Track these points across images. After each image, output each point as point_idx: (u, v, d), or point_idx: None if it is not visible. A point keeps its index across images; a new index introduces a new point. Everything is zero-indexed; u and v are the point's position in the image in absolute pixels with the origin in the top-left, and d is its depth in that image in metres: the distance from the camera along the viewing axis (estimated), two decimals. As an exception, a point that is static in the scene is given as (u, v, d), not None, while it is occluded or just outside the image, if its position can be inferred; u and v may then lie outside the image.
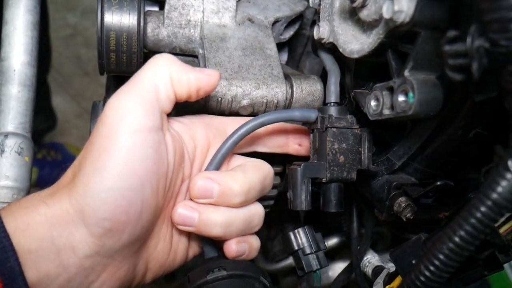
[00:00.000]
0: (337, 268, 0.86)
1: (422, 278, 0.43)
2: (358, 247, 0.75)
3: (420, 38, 0.45)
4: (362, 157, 0.60)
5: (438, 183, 0.53)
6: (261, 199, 0.76)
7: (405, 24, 0.43)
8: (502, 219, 0.53)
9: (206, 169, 0.57)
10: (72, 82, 2.17)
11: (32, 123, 0.73)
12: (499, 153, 0.39)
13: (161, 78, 0.51)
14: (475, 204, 0.40)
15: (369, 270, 0.74)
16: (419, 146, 0.54)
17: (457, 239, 0.40)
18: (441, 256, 0.41)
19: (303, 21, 0.84)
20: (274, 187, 0.77)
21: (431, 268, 0.42)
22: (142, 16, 0.65)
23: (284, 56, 0.88)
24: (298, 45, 0.92)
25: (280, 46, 0.85)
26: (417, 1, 0.42)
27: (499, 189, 0.38)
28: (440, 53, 0.39)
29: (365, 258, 0.77)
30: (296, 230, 0.64)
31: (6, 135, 0.69)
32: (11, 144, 0.69)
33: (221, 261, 0.54)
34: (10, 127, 0.69)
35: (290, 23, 0.81)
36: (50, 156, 1.96)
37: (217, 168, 0.56)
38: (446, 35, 0.38)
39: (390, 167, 0.59)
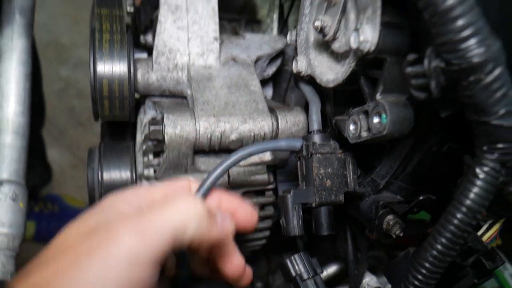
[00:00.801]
0: (337, 294, 0.87)
1: (411, 287, 0.45)
2: (356, 271, 0.77)
3: (386, 63, 0.49)
4: (348, 180, 0.62)
5: (421, 198, 0.56)
6: (256, 231, 0.78)
7: (371, 52, 0.47)
8: (485, 227, 0.55)
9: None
10: (66, 133, 2.21)
11: (26, 170, 0.76)
12: (468, 163, 0.43)
13: (183, 236, 0.46)
14: (451, 212, 0.42)
15: (368, 293, 0.76)
16: (399, 164, 0.58)
17: (438, 246, 0.43)
18: (426, 264, 0.44)
19: (285, 57, 0.89)
20: (268, 217, 0.79)
21: (419, 276, 0.44)
22: (132, 63, 0.70)
23: (269, 92, 0.93)
24: (282, 80, 0.97)
25: (265, 82, 0.90)
26: (380, 31, 0.46)
27: (471, 195, 0.41)
28: (404, 76, 0.43)
29: (363, 281, 0.78)
30: (292, 257, 0.66)
31: (1, 182, 0.71)
32: (5, 191, 0.71)
33: None
34: (4, 174, 0.72)
35: (272, 60, 0.86)
36: (47, 209, 1.96)
37: (205, 194, 0.57)
38: (407, 58, 0.42)
39: (375, 187, 0.62)
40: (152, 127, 0.65)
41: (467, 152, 0.45)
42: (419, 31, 0.46)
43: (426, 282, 0.43)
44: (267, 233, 0.82)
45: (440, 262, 0.43)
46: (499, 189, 0.45)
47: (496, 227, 0.54)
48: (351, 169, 0.63)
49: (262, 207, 0.79)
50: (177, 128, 0.65)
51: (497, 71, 0.37)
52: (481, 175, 0.41)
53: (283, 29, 0.92)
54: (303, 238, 0.94)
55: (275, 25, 0.92)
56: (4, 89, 0.59)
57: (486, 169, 0.41)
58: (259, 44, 0.84)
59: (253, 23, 1.00)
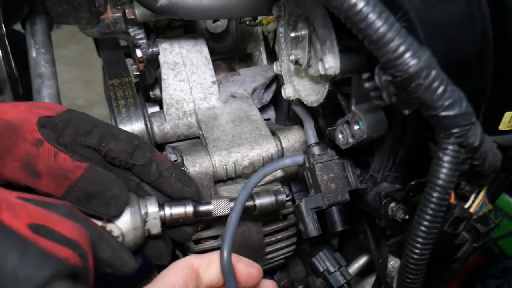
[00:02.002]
0: (370, 282, 0.95)
1: (411, 260, 0.53)
2: (379, 259, 0.85)
3: (353, 81, 0.58)
4: (350, 180, 0.72)
5: (412, 183, 0.64)
6: (284, 239, 0.88)
7: (337, 74, 0.57)
8: (472, 197, 0.64)
9: (226, 230, 0.64)
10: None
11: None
12: (432, 150, 0.52)
13: None
14: (428, 192, 0.51)
15: (395, 274, 0.84)
16: (388, 159, 0.67)
17: (424, 222, 0.52)
18: (418, 239, 0.52)
19: (280, 80, 0.99)
20: (291, 225, 0.89)
21: (415, 250, 0.53)
22: (147, 119, 0.81)
23: (272, 113, 1.03)
24: (282, 100, 1.07)
25: (266, 107, 1.00)
26: (340, 57, 0.56)
27: (440, 175, 0.50)
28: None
29: (389, 265, 0.86)
30: (317, 256, 0.75)
31: None
32: None
33: None
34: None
35: (267, 87, 0.97)
36: None
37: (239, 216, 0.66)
38: (362, 77, 0.52)
39: (375, 181, 0.71)
40: (175, 170, 0.76)
41: (435, 139, 0.54)
42: (370, 52, 0.55)
43: (421, 253, 0.52)
44: (294, 239, 0.91)
45: (429, 235, 0.52)
46: (469, 164, 0.54)
47: (481, 195, 0.62)
48: (350, 170, 0.72)
49: (284, 217, 0.88)
50: (196, 166, 0.76)
51: (432, 74, 0.46)
52: (445, 158, 0.50)
53: (272, 57, 1.02)
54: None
55: (263, 56, 1.03)
56: None
57: (447, 151, 0.50)
58: (252, 76, 0.95)
59: (245, 57, 1.10)
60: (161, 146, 0.89)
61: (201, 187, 0.77)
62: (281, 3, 0.69)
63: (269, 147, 0.79)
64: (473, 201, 0.62)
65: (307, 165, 0.72)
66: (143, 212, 0.64)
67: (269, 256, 0.89)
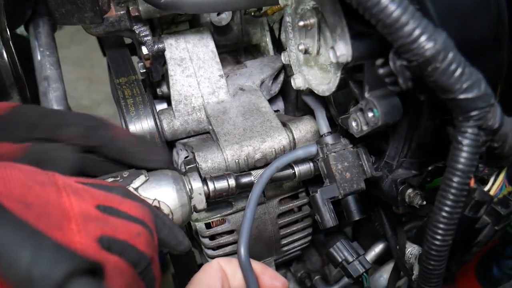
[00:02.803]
0: (388, 270, 0.94)
1: (433, 247, 0.53)
2: (397, 245, 0.84)
3: (365, 67, 0.57)
4: (365, 168, 0.71)
5: (429, 168, 0.63)
6: (299, 231, 0.87)
7: (350, 62, 0.56)
8: (492, 180, 0.62)
9: (242, 227, 0.64)
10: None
11: None
12: (451, 133, 0.51)
13: None
14: (448, 177, 0.50)
15: (414, 261, 0.83)
16: (403, 144, 0.66)
17: (446, 208, 0.51)
18: (440, 225, 0.52)
19: (287, 70, 0.98)
20: (306, 216, 0.88)
21: (437, 236, 0.52)
22: (157, 117, 0.81)
23: (281, 104, 1.02)
24: (291, 90, 1.06)
25: (275, 98, 0.99)
26: (351, 44, 0.55)
27: (461, 159, 0.49)
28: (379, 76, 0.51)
29: (407, 252, 0.85)
30: (335, 246, 0.75)
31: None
32: None
33: None
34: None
35: (276, 77, 0.95)
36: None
37: (253, 215, 0.66)
38: (376, 63, 0.51)
39: (390, 168, 0.70)
40: (188, 167, 0.76)
41: (453, 122, 0.53)
42: (382, 37, 0.54)
43: (443, 240, 0.51)
44: (310, 230, 0.90)
45: (450, 220, 0.51)
46: (488, 147, 0.53)
47: (501, 177, 0.61)
48: (365, 158, 0.71)
49: (299, 208, 0.88)
50: (208, 162, 0.75)
51: (449, 57, 0.45)
52: (464, 141, 0.49)
53: (279, 47, 1.01)
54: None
55: (270, 47, 1.01)
56: None
57: (466, 135, 0.49)
58: (260, 68, 0.94)
59: (251, 48, 1.09)
60: (172, 143, 0.89)
61: (215, 182, 0.77)
62: (287, -9, 0.68)
63: (280, 139, 0.79)
64: (493, 184, 0.61)
65: (321, 155, 0.72)
66: (188, 188, 0.65)
67: (285, 248, 0.89)
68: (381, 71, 0.50)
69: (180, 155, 0.86)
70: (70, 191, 0.44)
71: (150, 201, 0.59)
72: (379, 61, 0.50)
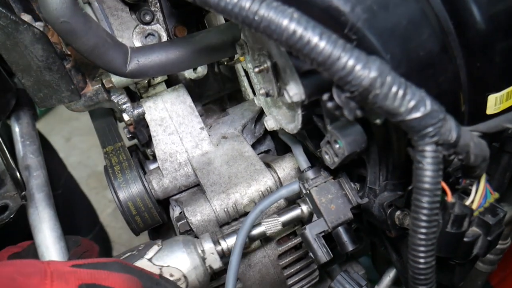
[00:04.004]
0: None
1: (417, 271, 0.51)
2: (401, 268, 0.82)
3: (321, 101, 0.58)
4: (349, 197, 0.70)
5: (409, 188, 0.63)
6: (304, 268, 0.86)
7: (304, 99, 0.57)
8: (474, 190, 0.61)
9: (228, 276, 0.67)
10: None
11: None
12: (411, 154, 0.50)
13: None
14: (417, 198, 0.50)
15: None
16: (379, 168, 0.65)
17: (421, 230, 0.50)
18: (419, 248, 0.50)
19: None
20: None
21: (419, 260, 0.51)
22: (144, 180, 0.83)
23: (271, 143, 1.03)
24: (278, 129, 1.07)
25: (263, 138, 1.00)
26: (302, 82, 0.56)
27: (425, 179, 0.49)
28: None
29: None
30: (335, 280, 0.73)
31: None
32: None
33: None
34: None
35: (258, 119, 0.97)
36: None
37: (239, 259, 0.67)
38: (322, 98, 0.52)
39: (374, 192, 0.70)
40: (179, 224, 0.77)
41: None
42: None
43: (426, 262, 0.50)
44: (315, 265, 0.89)
45: (429, 241, 0.50)
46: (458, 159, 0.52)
47: (481, 186, 0.59)
48: (347, 187, 0.71)
49: (300, 245, 0.87)
50: (197, 215, 0.76)
51: (387, 81, 0.46)
52: (425, 160, 0.48)
53: (257, 90, 1.03)
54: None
55: (249, 91, 1.03)
56: (47, 256, 0.73)
57: (425, 153, 0.48)
58: (241, 113, 0.96)
59: (236, 94, 1.12)
60: (164, 201, 0.90)
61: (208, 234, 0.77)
62: (242, 41, 0.71)
63: (266, 181, 0.79)
64: (475, 194, 0.59)
65: (303, 191, 0.72)
66: (199, 250, 0.68)
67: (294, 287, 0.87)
68: (329, 105, 0.51)
69: (175, 211, 0.87)
70: (55, 277, 0.49)
71: (164, 269, 0.64)
72: (325, 96, 0.51)
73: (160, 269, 0.64)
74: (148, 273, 0.60)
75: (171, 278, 0.64)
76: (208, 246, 0.70)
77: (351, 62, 0.45)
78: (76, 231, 1.58)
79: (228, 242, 0.71)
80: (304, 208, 0.74)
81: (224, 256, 0.71)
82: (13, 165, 0.78)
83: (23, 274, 0.48)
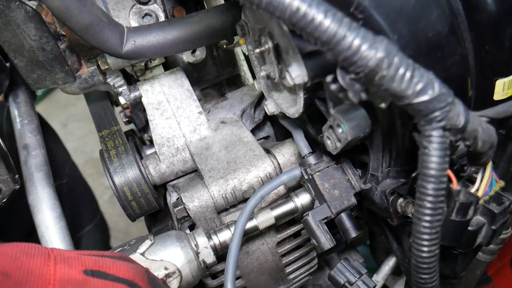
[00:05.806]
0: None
1: (420, 259, 0.50)
2: (402, 256, 0.81)
3: (324, 84, 0.56)
4: (352, 182, 0.69)
5: (413, 175, 0.61)
6: (302, 256, 0.85)
7: (307, 81, 0.55)
8: (479, 178, 0.59)
9: (227, 263, 0.66)
10: (130, 233, 2.38)
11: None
12: (417, 139, 0.49)
13: None
14: (422, 185, 0.48)
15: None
16: (382, 154, 0.64)
17: (426, 217, 0.48)
18: (423, 236, 0.49)
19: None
20: (308, 240, 0.85)
21: (423, 248, 0.50)
22: (140, 164, 0.81)
23: (270, 130, 1.01)
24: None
25: (262, 124, 0.98)
26: (305, 64, 0.54)
27: (431, 165, 0.47)
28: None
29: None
30: (335, 268, 0.72)
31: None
32: None
33: None
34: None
35: (258, 104, 0.95)
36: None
37: (237, 249, 0.66)
38: (326, 80, 0.49)
39: (376, 179, 0.68)
40: (175, 209, 0.75)
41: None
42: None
43: (429, 250, 0.49)
44: (314, 253, 0.88)
45: (433, 229, 0.48)
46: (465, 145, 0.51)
47: (487, 174, 0.57)
48: (350, 173, 0.69)
49: (299, 233, 0.85)
50: (195, 201, 0.74)
51: (395, 62, 0.44)
52: (431, 146, 0.47)
53: (257, 74, 1.01)
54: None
55: (248, 75, 1.02)
56: (47, 236, 0.71)
57: (432, 139, 0.46)
58: (240, 98, 0.94)
59: (235, 79, 1.10)
60: (162, 187, 0.89)
61: (205, 220, 0.76)
62: (242, 21, 0.68)
63: (265, 167, 0.77)
64: (481, 182, 0.58)
65: (306, 176, 0.70)
66: (193, 244, 0.68)
67: (292, 276, 0.86)
68: (332, 87, 0.49)
69: (172, 197, 0.86)
70: (59, 259, 0.49)
71: (158, 263, 0.63)
72: (328, 78, 0.49)
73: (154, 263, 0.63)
74: (152, 275, 0.59)
75: (165, 272, 0.63)
76: (201, 240, 0.69)
77: (357, 42, 0.43)
78: (79, 220, 1.56)
79: (221, 237, 0.71)
80: (298, 202, 0.73)
81: (217, 251, 0.70)
82: (5, 149, 0.76)
83: (26, 254, 0.48)
